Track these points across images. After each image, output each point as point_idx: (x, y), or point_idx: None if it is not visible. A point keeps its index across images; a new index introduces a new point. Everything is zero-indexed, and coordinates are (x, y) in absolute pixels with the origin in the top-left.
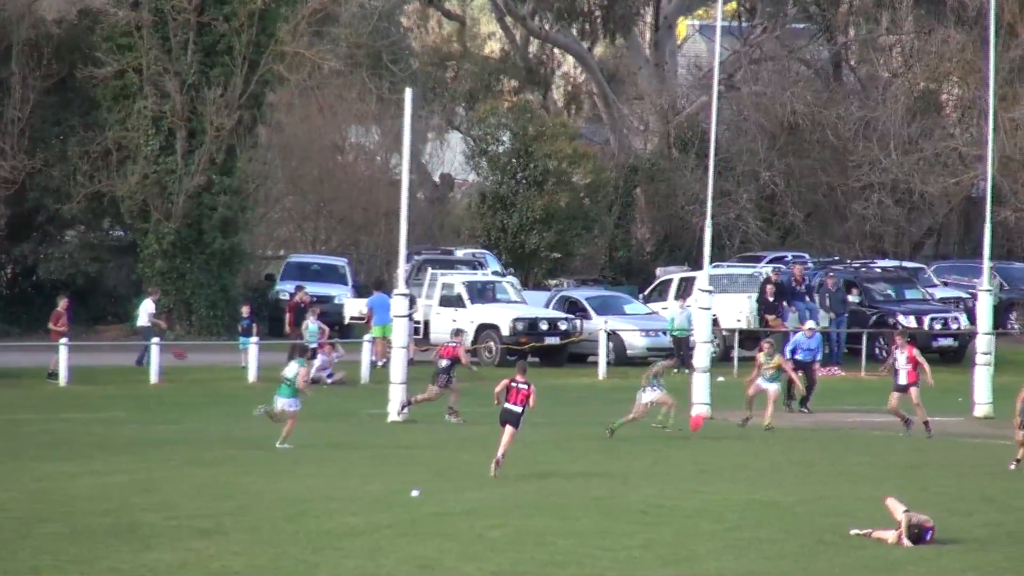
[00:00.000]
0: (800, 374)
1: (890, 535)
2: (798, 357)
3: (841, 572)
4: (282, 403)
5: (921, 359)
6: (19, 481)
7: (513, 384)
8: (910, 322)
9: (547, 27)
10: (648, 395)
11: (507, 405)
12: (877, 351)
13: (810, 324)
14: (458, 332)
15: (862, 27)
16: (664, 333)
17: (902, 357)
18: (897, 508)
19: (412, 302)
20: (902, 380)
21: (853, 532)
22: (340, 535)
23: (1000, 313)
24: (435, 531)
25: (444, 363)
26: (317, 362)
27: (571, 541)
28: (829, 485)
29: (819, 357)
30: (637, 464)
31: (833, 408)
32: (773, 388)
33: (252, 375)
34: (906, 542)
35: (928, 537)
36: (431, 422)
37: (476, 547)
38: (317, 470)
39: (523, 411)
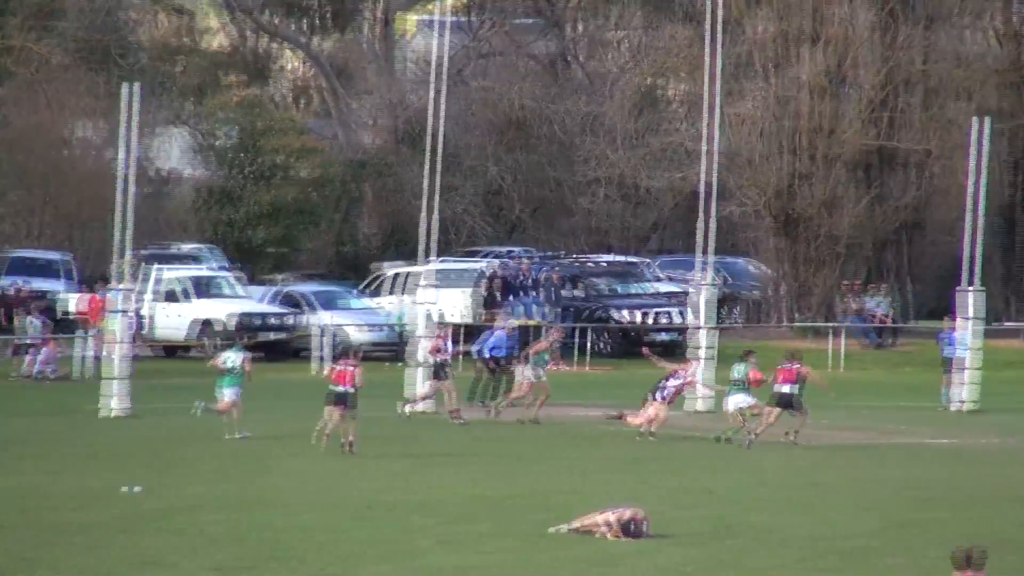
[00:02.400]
0: (497, 371)
1: (607, 531)
2: (495, 354)
3: (561, 566)
4: (228, 394)
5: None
6: None
7: (340, 366)
8: (631, 316)
9: (276, 22)
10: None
11: (331, 386)
12: (601, 346)
13: (511, 322)
14: (440, 324)
15: (589, 22)
16: (390, 328)
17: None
18: (600, 514)
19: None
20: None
21: (574, 524)
22: (59, 531)
23: (722, 307)
24: (157, 527)
25: (433, 359)
26: (41, 356)
27: (293, 536)
28: (550, 479)
29: (516, 354)
30: (358, 459)
31: (555, 402)
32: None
33: None
34: (623, 536)
35: (645, 528)
36: (156, 416)
37: (198, 542)
38: (35, 465)
39: (352, 390)
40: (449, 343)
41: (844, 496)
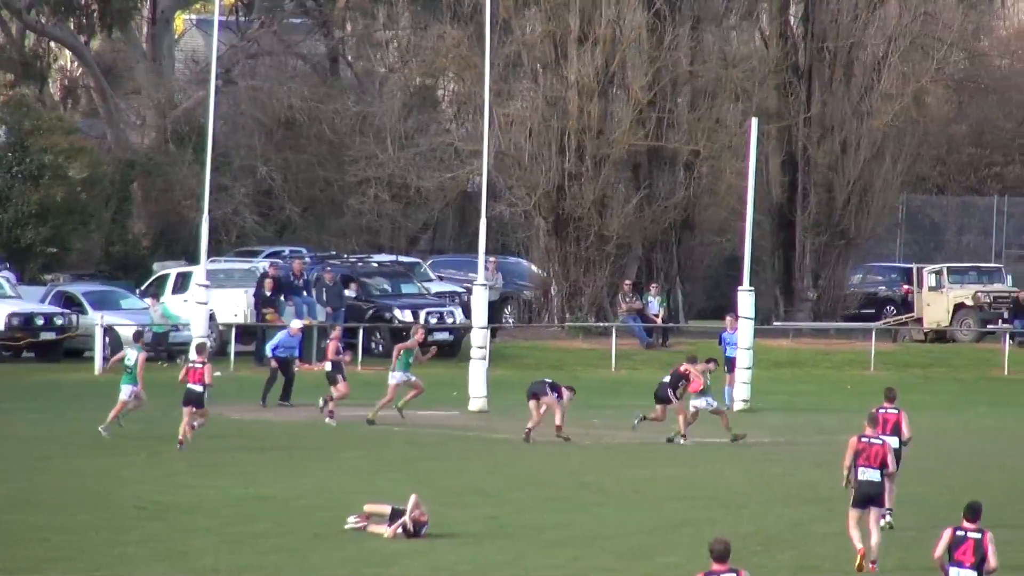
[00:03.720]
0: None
1: (385, 529)
2: (279, 354)
3: (337, 566)
4: (124, 391)
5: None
6: None
7: (191, 365)
8: (406, 316)
9: (44, 21)
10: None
11: (189, 385)
12: (373, 345)
13: (296, 323)
14: (334, 326)
15: (359, 22)
16: (172, 328)
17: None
18: (382, 507)
19: None
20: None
21: (350, 520)
22: None
23: (495, 307)
24: None
25: (328, 365)
26: None
27: (67, 537)
28: (325, 479)
29: (297, 354)
30: (132, 460)
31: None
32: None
33: None
34: (402, 534)
35: (422, 532)
36: None
37: None
38: None
39: (204, 389)
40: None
41: (617, 496)
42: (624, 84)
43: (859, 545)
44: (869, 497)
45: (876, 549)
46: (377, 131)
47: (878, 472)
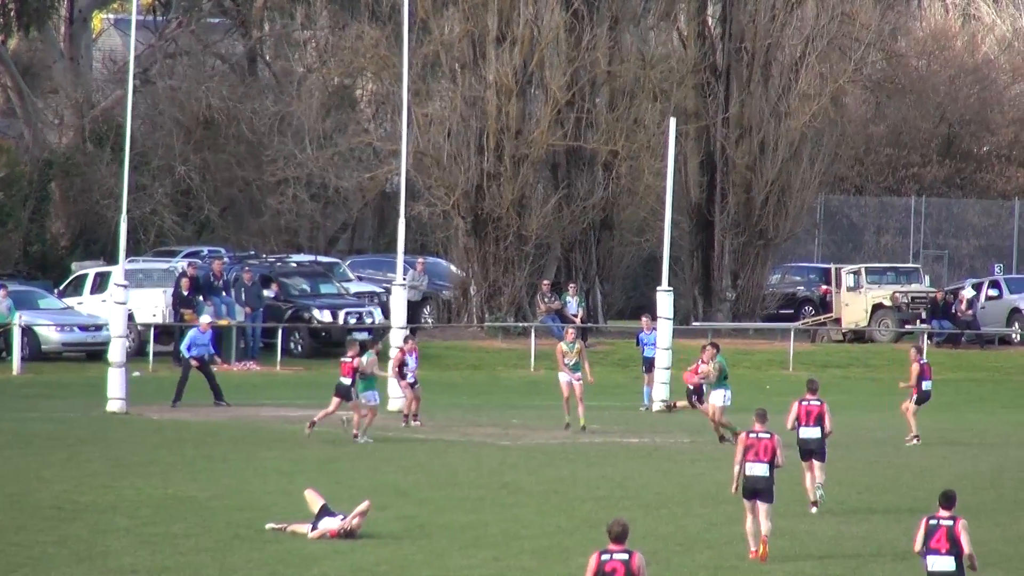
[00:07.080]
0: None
1: (307, 529)
2: (193, 353)
3: (256, 566)
4: (363, 397)
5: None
6: None
7: (344, 360)
8: (325, 316)
9: None
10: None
11: (340, 379)
12: (292, 345)
13: (204, 319)
14: (407, 337)
15: (277, 22)
16: (96, 328)
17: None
18: (316, 501)
19: None
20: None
21: (269, 527)
22: None
23: (415, 307)
24: None
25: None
26: None
27: None
28: (244, 479)
29: (212, 351)
30: (51, 460)
31: (248, 402)
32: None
33: None
34: (339, 531)
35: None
36: None
37: None
38: None
39: (352, 382)
40: (413, 357)
41: (536, 496)
42: (543, 84)
43: (753, 548)
44: (756, 491)
45: (767, 534)
46: (296, 131)
47: (766, 466)
